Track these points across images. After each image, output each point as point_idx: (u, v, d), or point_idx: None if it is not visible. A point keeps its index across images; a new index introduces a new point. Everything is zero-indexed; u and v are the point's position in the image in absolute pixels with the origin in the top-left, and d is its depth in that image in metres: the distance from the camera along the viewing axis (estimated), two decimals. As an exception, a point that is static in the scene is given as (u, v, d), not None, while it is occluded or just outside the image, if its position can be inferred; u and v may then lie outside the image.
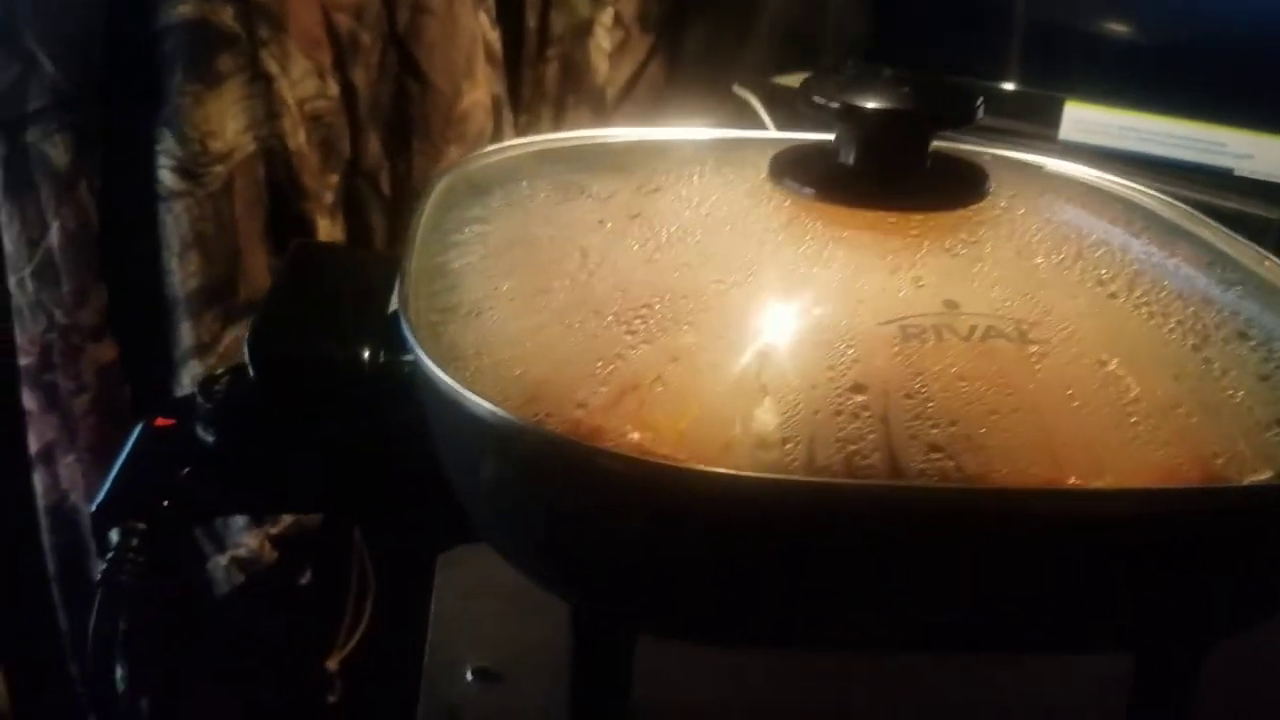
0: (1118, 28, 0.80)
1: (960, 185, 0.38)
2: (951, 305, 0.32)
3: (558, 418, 0.29)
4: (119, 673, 0.77)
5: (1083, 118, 0.75)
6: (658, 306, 0.32)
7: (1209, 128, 0.73)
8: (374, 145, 0.75)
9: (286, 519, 0.71)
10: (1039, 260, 0.35)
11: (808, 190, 0.37)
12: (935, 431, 0.29)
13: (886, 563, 0.28)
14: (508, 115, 0.80)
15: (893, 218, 0.36)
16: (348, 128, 0.74)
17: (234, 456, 0.38)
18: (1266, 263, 0.41)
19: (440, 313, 0.34)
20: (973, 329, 0.31)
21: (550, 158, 0.46)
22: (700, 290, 0.33)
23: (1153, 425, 0.30)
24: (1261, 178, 0.72)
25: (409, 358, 0.37)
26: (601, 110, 0.85)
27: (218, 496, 0.39)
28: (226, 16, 0.65)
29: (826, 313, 0.32)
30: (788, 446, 0.28)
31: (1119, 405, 0.30)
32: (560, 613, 0.35)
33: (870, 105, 0.37)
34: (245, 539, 0.70)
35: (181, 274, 0.66)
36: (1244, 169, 0.73)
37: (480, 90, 0.76)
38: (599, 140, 0.48)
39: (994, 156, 0.47)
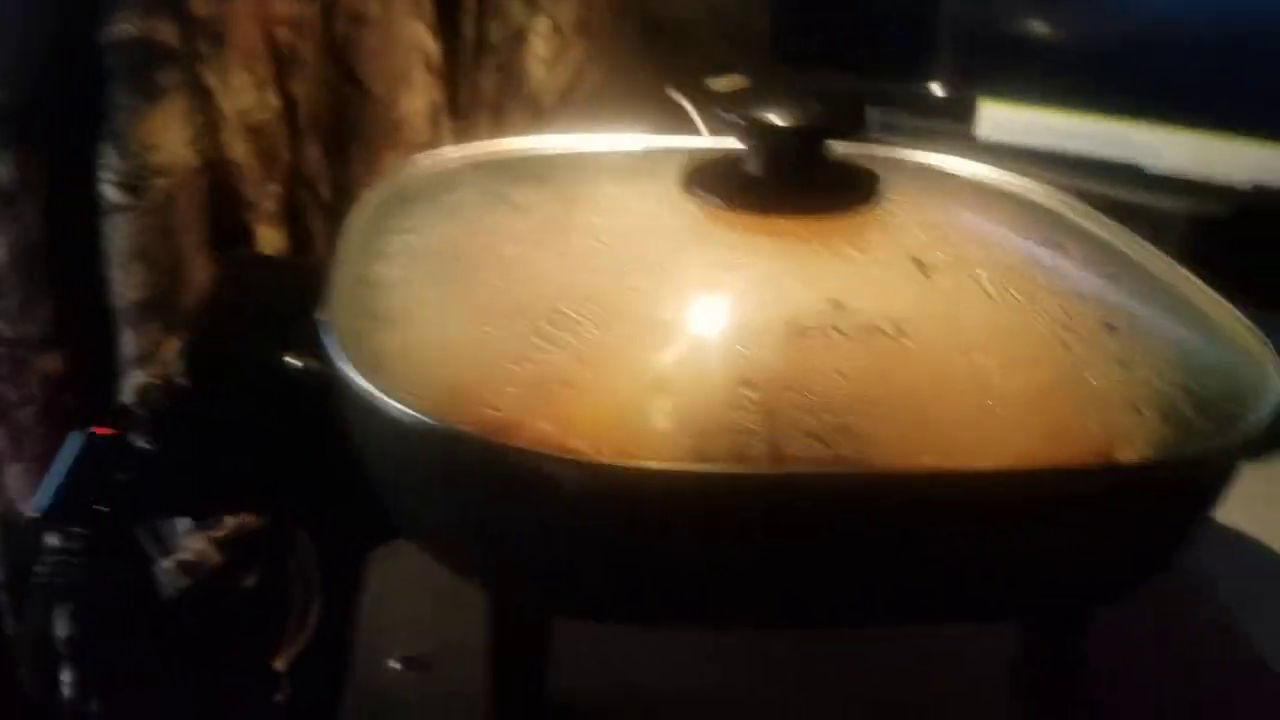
0: (1032, 26, 0.83)
1: (854, 190, 0.41)
2: (837, 305, 0.35)
3: (471, 417, 0.31)
4: (67, 677, 0.79)
5: (998, 116, 0.78)
6: (568, 311, 0.34)
7: (1118, 123, 0.76)
8: (314, 154, 0.77)
9: (230, 522, 0.72)
10: (922, 260, 0.37)
11: (715, 199, 0.40)
12: (815, 421, 0.32)
13: (774, 543, 0.31)
14: (446, 122, 0.82)
15: (790, 223, 0.39)
16: (288, 138, 0.76)
17: (171, 462, 0.40)
18: (1147, 253, 0.45)
19: (366, 320, 0.36)
20: (855, 326, 0.34)
21: (480, 167, 0.48)
22: (609, 295, 0.35)
23: (1012, 412, 0.32)
24: (1169, 172, 0.76)
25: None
26: (539, 116, 0.87)
27: (157, 501, 0.40)
28: (167, 33, 0.67)
29: (723, 315, 0.34)
30: (681, 439, 0.31)
31: (982, 394, 0.33)
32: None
33: (766, 120, 0.39)
34: (189, 542, 0.71)
35: (125, 286, 0.67)
36: (1152, 164, 0.76)
37: (419, 98, 0.78)
38: (527, 150, 0.50)
39: (901, 159, 0.50)
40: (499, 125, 0.85)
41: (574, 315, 0.34)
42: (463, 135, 0.84)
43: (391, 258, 0.40)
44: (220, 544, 0.73)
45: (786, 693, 0.42)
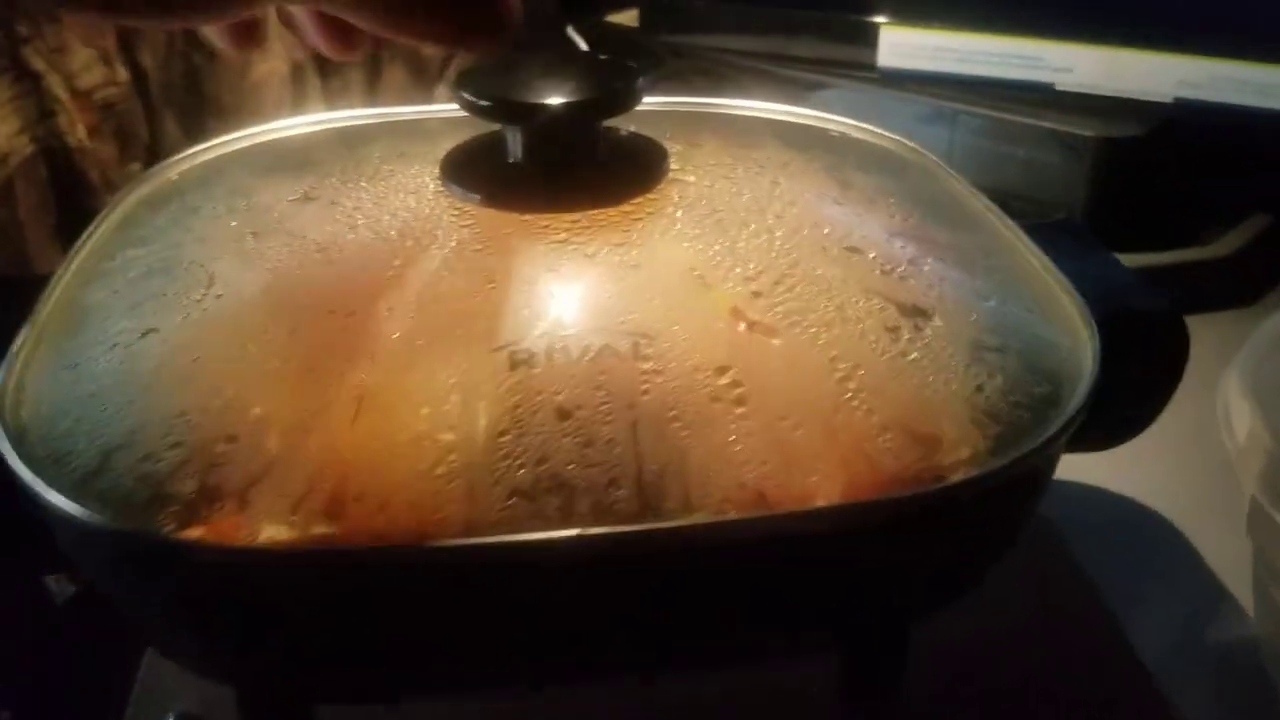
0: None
1: (631, 176, 0.36)
2: (572, 323, 0.31)
3: (115, 492, 0.27)
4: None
5: (899, 42, 0.72)
6: (253, 349, 0.30)
7: (1026, 42, 0.71)
8: (172, 128, 0.72)
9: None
10: (687, 258, 0.33)
11: (474, 195, 0.35)
12: (522, 473, 0.27)
13: (472, 614, 0.27)
14: (314, 81, 0.77)
15: (546, 220, 0.34)
16: (143, 113, 0.71)
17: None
18: (980, 211, 0.40)
19: (52, 359, 0.32)
20: (586, 349, 0.30)
21: (254, 155, 0.44)
22: (305, 326, 0.31)
23: (754, 443, 0.28)
24: (1083, 90, 0.70)
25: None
26: (421, 68, 0.82)
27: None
28: (-24, 17, 0.62)
29: (434, 344, 0.30)
30: (355, 507, 0.27)
31: (724, 424, 0.28)
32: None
33: (519, 100, 0.34)
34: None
35: (-37, 287, 0.63)
36: (1065, 83, 0.70)
37: (274, 59, 0.73)
38: (318, 128, 0.46)
39: (721, 113, 0.45)
40: (376, 80, 0.80)
41: (261, 355, 0.30)
42: (335, 96, 0.79)
43: (108, 278, 0.35)
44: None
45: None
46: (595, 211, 0.34)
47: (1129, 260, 0.42)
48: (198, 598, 0.27)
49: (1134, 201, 0.68)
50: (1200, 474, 0.48)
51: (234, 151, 0.44)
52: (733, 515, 0.27)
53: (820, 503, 0.27)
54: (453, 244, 0.33)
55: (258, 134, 0.45)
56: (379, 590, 0.26)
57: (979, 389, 0.30)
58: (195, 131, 0.74)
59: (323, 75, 0.78)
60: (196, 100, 0.73)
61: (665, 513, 0.27)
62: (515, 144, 0.36)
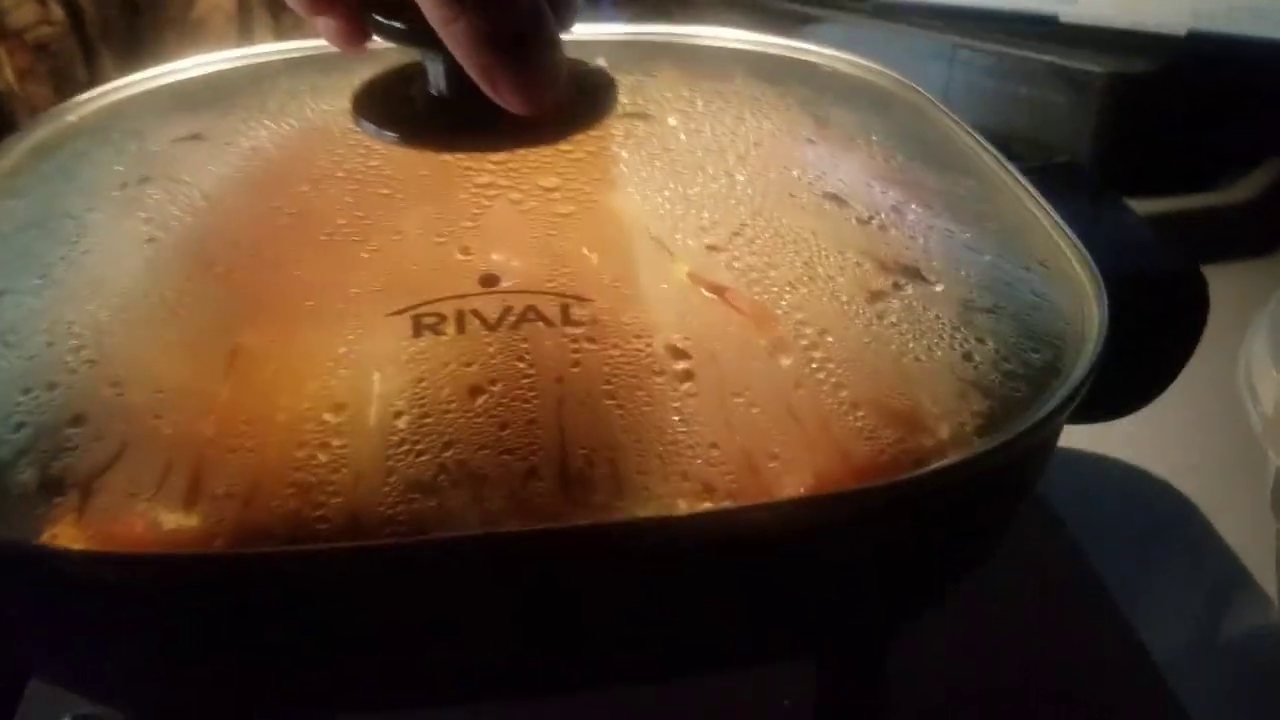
0: None
1: (569, 110, 0.31)
2: (489, 281, 0.26)
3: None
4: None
5: (892, -29, 0.67)
6: (115, 315, 0.26)
7: (1030, -29, 0.65)
8: (110, 69, 0.68)
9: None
10: (631, 206, 0.28)
11: (388, 133, 0.31)
12: (424, 460, 0.23)
13: (362, 625, 0.23)
14: (263, 15, 0.71)
15: (468, 161, 0.29)
16: (80, 53, 0.67)
17: None
18: (975, 155, 0.35)
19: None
20: (506, 311, 0.25)
21: (164, 95, 0.39)
22: (176, 286, 0.26)
23: (703, 425, 0.24)
24: (1089, 23, 0.65)
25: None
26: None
27: None
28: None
29: (324, 306, 0.26)
30: (221, 501, 0.22)
31: (667, 402, 0.24)
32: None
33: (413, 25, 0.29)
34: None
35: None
36: (1070, 14, 0.65)
37: (217, -6, 0.68)
38: (240, 63, 0.41)
39: (692, 44, 0.40)
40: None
41: (117, 322, 0.25)
42: (288, 31, 0.74)
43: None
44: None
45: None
46: (526, 151, 0.30)
47: (1139, 206, 0.38)
48: (42, 609, 0.23)
49: (1145, 143, 0.63)
50: (1218, 444, 0.43)
51: (141, 93, 0.40)
52: (675, 511, 0.23)
53: (779, 495, 0.23)
54: (353, 188, 0.29)
55: (168, 73, 0.41)
56: (245, 600, 0.22)
57: (967, 357, 0.26)
58: (135, 71, 0.69)
59: (274, 10, 0.73)
60: (136, 40, 0.68)
61: (594, 508, 0.23)
62: (437, 74, 0.31)
